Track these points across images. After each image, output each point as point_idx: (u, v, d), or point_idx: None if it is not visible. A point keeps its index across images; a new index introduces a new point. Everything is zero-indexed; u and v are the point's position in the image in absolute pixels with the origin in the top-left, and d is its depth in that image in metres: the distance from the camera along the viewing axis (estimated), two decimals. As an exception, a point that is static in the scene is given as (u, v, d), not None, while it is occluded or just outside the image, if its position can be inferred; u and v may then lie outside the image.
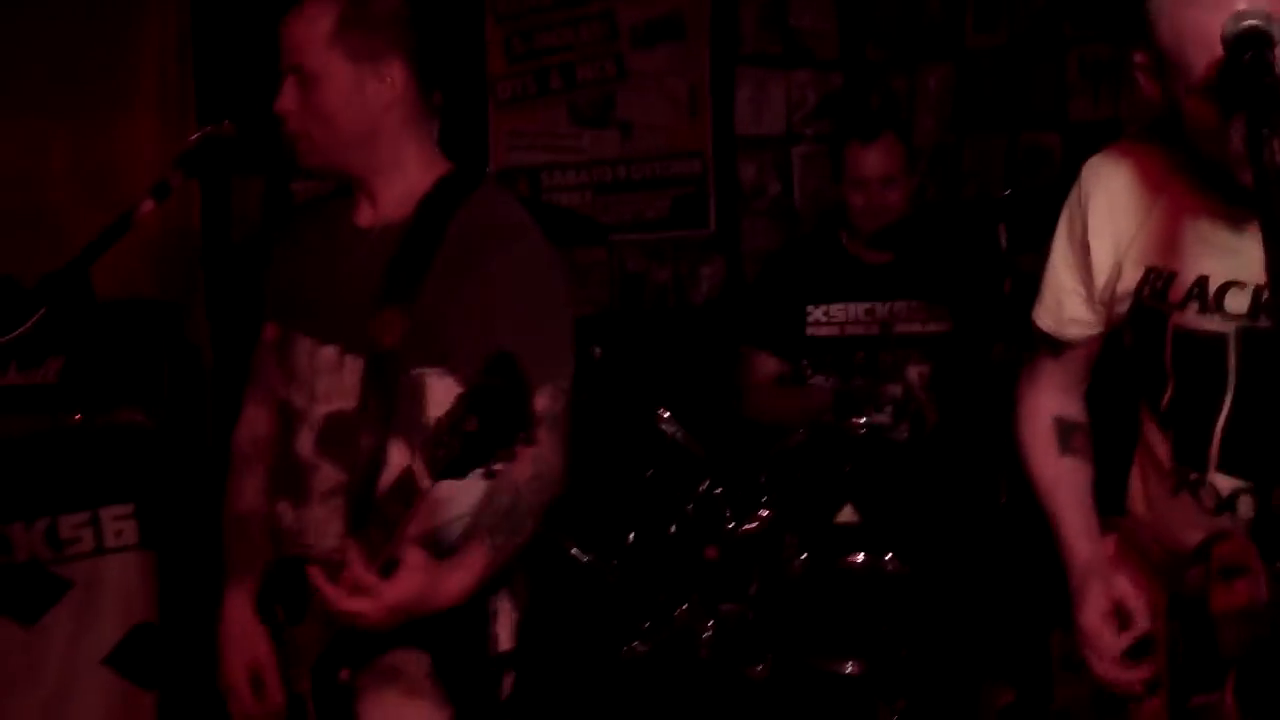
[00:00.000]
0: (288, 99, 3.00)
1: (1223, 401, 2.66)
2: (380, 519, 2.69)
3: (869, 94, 6.63)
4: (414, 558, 2.71)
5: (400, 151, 3.09)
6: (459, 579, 2.80)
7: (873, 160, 4.90)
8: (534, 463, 2.83)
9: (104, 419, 4.57)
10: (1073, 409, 3.05)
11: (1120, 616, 2.78)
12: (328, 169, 3.11)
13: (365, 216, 3.14)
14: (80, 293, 2.92)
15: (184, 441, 4.70)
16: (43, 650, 4.43)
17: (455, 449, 2.44)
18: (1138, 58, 2.53)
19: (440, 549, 2.85)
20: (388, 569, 2.69)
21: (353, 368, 3.03)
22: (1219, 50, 2.25)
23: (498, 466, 2.45)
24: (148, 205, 2.91)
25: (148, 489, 4.56)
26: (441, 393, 2.91)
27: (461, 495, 2.87)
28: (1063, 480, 2.99)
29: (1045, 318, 2.95)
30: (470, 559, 2.82)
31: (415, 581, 2.71)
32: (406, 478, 2.58)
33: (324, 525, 3.04)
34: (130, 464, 4.56)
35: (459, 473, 2.47)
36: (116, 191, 5.02)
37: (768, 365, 5.07)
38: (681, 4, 6.45)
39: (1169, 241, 2.67)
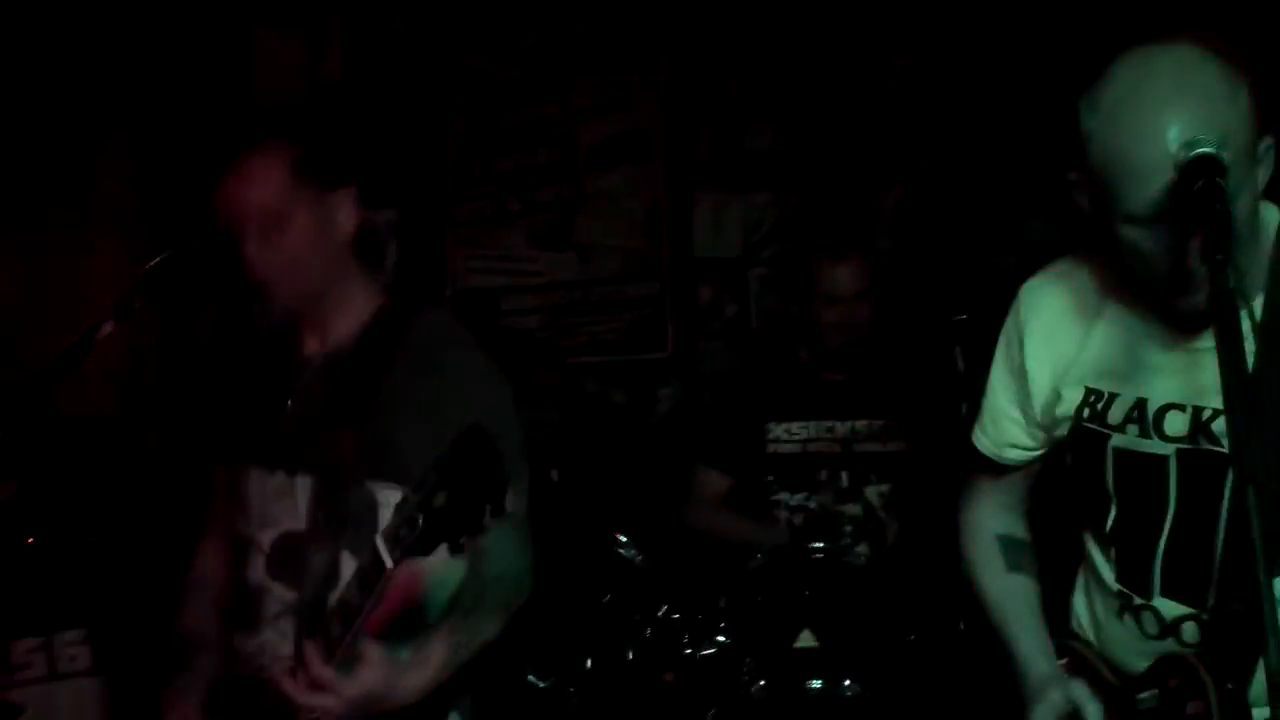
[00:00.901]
0: (255, 250, 2.98)
1: (1163, 524, 2.65)
2: (340, 610, 2.66)
3: (825, 215, 6.66)
4: (373, 653, 2.68)
5: (351, 281, 3.12)
6: (419, 676, 2.76)
7: (845, 276, 4.92)
8: (498, 561, 2.83)
9: (59, 540, 4.54)
10: (1015, 527, 3.04)
11: None
12: (295, 313, 3.10)
13: (311, 345, 3.16)
14: (40, 413, 2.91)
15: (138, 564, 4.67)
16: (-7, 777, 4.38)
17: (421, 527, 2.41)
18: (1073, 175, 2.54)
19: (401, 639, 2.82)
20: (346, 665, 2.67)
21: (302, 490, 3.03)
22: (1149, 180, 2.29)
23: (464, 543, 2.42)
24: (108, 327, 2.92)
25: (101, 612, 4.53)
26: (391, 507, 2.90)
27: (425, 580, 2.87)
28: (1012, 598, 2.97)
29: (984, 440, 2.95)
30: (430, 656, 2.78)
31: (375, 677, 2.68)
32: (370, 559, 2.54)
33: (278, 647, 3.04)
34: (84, 586, 4.53)
35: (424, 550, 2.44)
36: (73, 311, 5.01)
37: (716, 482, 5.06)
38: (640, 125, 6.49)
39: (1107, 364, 2.68)
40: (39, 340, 4.87)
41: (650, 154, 6.53)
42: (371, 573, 2.54)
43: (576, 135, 6.46)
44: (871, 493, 4.90)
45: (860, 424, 4.95)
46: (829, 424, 4.96)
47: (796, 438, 4.98)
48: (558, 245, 6.44)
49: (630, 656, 4.65)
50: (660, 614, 4.64)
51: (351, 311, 3.11)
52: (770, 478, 4.98)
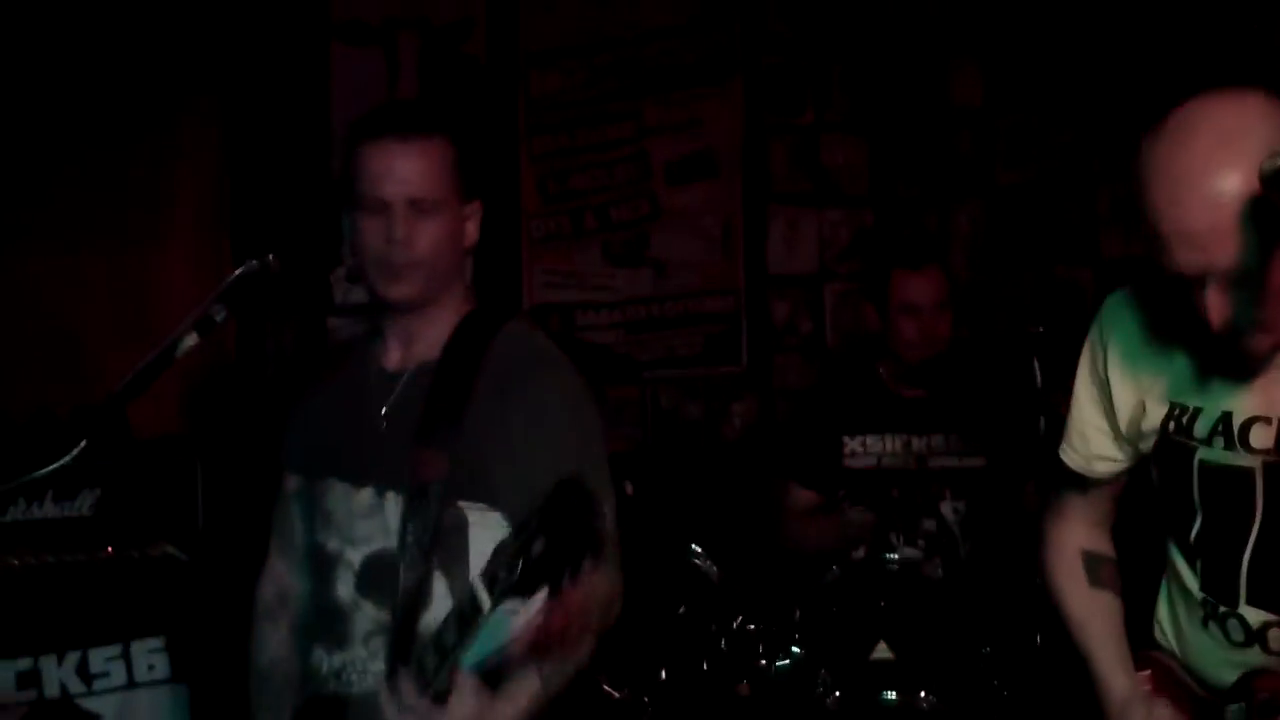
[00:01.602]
0: (405, 228, 2.99)
1: (1249, 534, 2.65)
2: (435, 642, 2.65)
3: (900, 231, 6.65)
4: (467, 685, 2.68)
5: (452, 289, 3.13)
6: (511, 708, 2.78)
7: (924, 286, 4.89)
8: (589, 588, 2.83)
9: (137, 552, 4.58)
10: (1100, 542, 3.05)
11: None
12: (412, 304, 3.09)
13: (394, 359, 3.15)
14: (117, 426, 2.92)
15: (216, 575, 4.70)
16: (72, 784, 4.42)
17: (520, 572, 2.39)
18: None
19: (494, 675, 2.79)
20: (440, 697, 2.66)
21: (392, 508, 3.02)
22: (1197, 248, 2.32)
23: (563, 587, 2.41)
24: (191, 340, 2.92)
25: (179, 622, 4.56)
26: (484, 527, 2.93)
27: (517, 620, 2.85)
28: (1095, 614, 2.98)
29: (1072, 455, 2.96)
30: (523, 688, 2.80)
31: (467, 709, 2.67)
32: (468, 600, 2.52)
33: (367, 665, 3.03)
34: (162, 597, 4.57)
35: (523, 595, 2.43)
36: (151, 322, 5.06)
37: (804, 497, 5.05)
38: (714, 142, 6.51)
39: (1191, 378, 2.68)
40: (112, 346, 4.95)
41: (725, 170, 6.55)
42: (469, 612, 2.52)
43: (651, 153, 6.47)
44: (946, 508, 4.87)
45: (936, 439, 4.92)
46: (904, 439, 4.94)
47: (872, 452, 4.96)
48: (633, 261, 6.46)
49: (705, 667, 4.63)
50: (735, 625, 4.62)
51: (441, 324, 3.11)
52: (843, 492, 4.96)
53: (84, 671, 4.44)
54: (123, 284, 5.26)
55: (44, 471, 2.79)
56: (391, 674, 2.87)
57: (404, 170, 2.99)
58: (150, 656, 4.53)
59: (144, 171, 5.33)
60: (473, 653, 2.61)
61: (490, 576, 2.46)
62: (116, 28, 5.27)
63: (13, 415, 4.63)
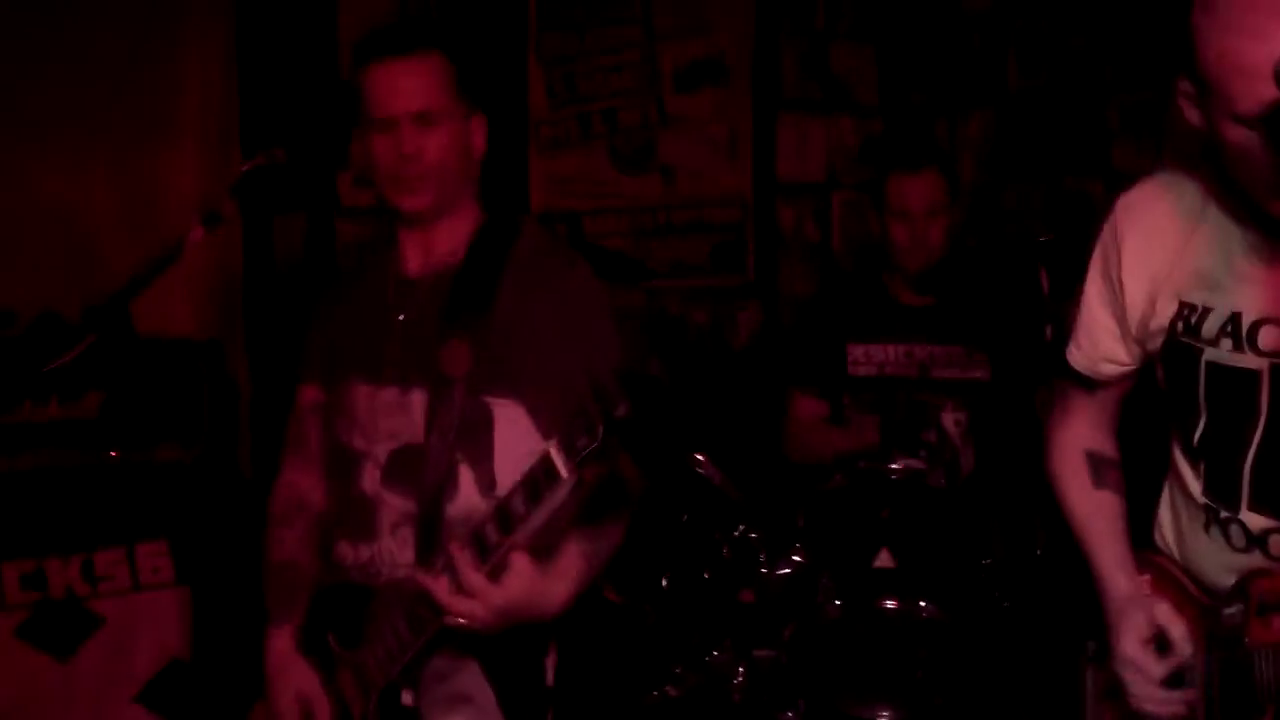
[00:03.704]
0: (412, 141, 3.06)
1: (1253, 437, 2.65)
2: (499, 516, 2.67)
3: (910, 139, 6.62)
4: (521, 564, 2.73)
5: (464, 199, 3.20)
6: (561, 587, 2.86)
7: (917, 191, 4.86)
8: (619, 469, 2.88)
9: (141, 455, 4.59)
10: (1105, 444, 3.06)
11: (1160, 643, 2.76)
12: (428, 213, 3.15)
13: (414, 265, 3.22)
14: (122, 325, 2.93)
15: (221, 478, 4.71)
16: (76, 685, 4.44)
17: (602, 437, 2.40)
18: (1181, 85, 2.52)
19: (544, 550, 2.85)
20: (495, 573, 2.71)
21: (418, 403, 3.09)
22: (1263, 79, 2.26)
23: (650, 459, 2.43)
24: (198, 233, 2.94)
25: (184, 525, 4.58)
26: (508, 420, 3.03)
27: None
28: (1097, 514, 3.00)
29: (1079, 356, 2.96)
30: (570, 567, 2.87)
31: (522, 586, 2.73)
32: (542, 468, 2.54)
33: (395, 556, 3.09)
34: (167, 500, 4.58)
35: (604, 460, 2.46)
36: (158, 222, 5.05)
37: (812, 406, 5.05)
38: (723, 48, 6.47)
39: (1203, 277, 2.68)
40: (120, 247, 4.93)
41: (734, 78, 6.51)
42: (544, 482, 2.54)
43: (659, 58, 6.43)
44: (948, 419, 4.87)
45: (939, 349, 4.91)
46: (907, 347, 4.94)
47: (875, 360, 4.96)
48: (641, 168, 6.43)
49: (707, 575, 4.65)
50: (737, 533, 4.64)
51: (458, 230, 3.18)
52: (848, 399, 4.97)
53: (89, 574, 4.46)
54: (130, 182, 5.24)
55: (48, 366, 2.80)
56: (422, 557, 2.98)
57: (406, 86, 3.08)
58: (154, 560, 4.55)
59: (150, 67, 5.29)
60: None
61: (569, 443, 2.47)
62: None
63: (19, 315, 4.62)
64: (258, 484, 3.41)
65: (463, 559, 2.70)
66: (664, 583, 4.69)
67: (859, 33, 6.64)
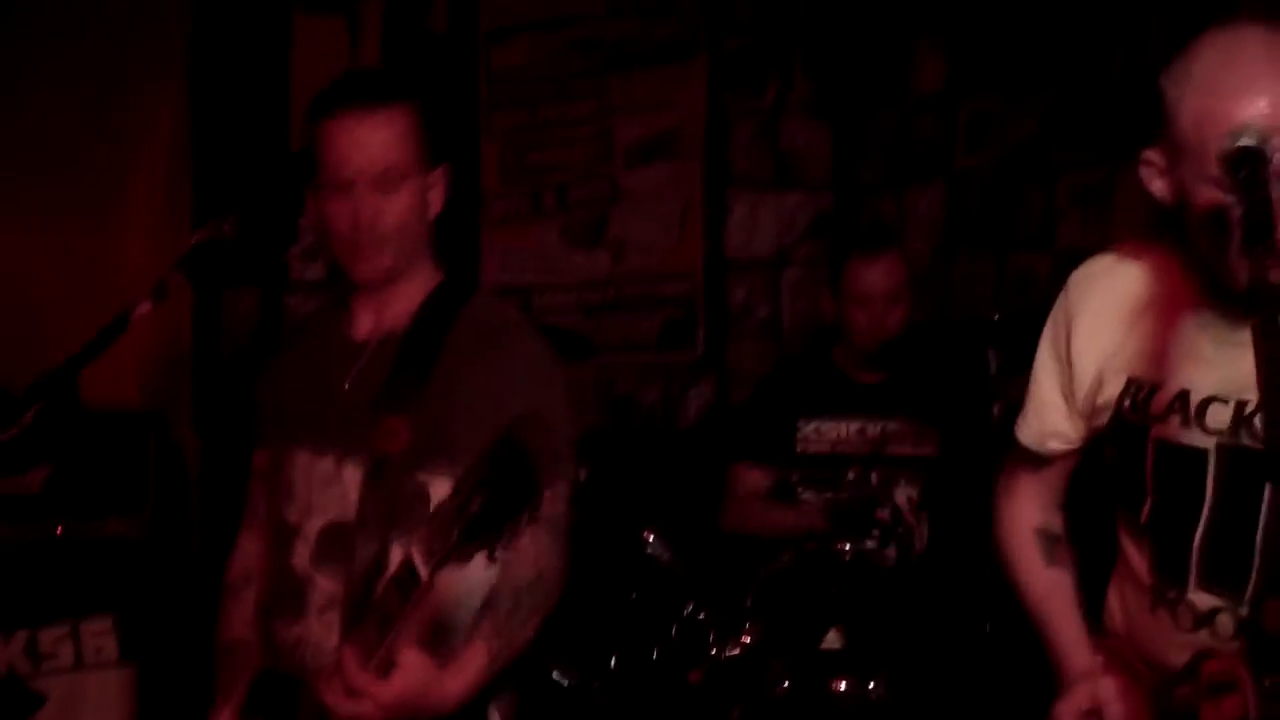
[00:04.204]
0: (369, 206, 2.96)
1: (1201, 515, 2.65)
2: (377, 615, 2.60)
3: (859, 215, 6.65)
4: (411, 658, 2.64)
5: (420, 259, 3.11)
6: (458, 681, 2.73)
7: (877, 276, 4.88)
8: (535, 564, 2.81)
9: (88, 529, 4.55)
10: (1053, 521, 3.06)
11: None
12: (377, 279, 3.06)
13: (363, 328, 3.13)
14: (68, 398, 2.90)
15: (168, 553, 4.68)
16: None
17: (457, 535, 2.37)
18: (1146, 155, 2.57)
19: (439, 643, 2.77)
20: (385, 669, 2.62)
21: (351, 478, 3.00)
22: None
23: (500, 548, 2.38)
24: (145, 307, 2.91)
25: (130, 601, 4.54)
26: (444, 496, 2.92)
27: (462, 585, 2.77)
28: (1053, 591, 2.99)
29: (1027, 431, 2.97)
30: (470, 661, 2.75)
31: (413, 682, 2.63)
32: (404, 569, 2.49)
33: (321, 640, 2.99)
34: (112, 576, 4.54)
35: (462, 557, 2.40)
36: (106, 294, 5.01)
37: (755, 478, 5.03)
38: (676, 123, 6.49)
39: (1152, 354, 2.69)
40: (68, 320, 4.89)
41: (686, 152, 6.52)
42: (408, 582, 2.49)
43: (613, 132, 6.44)
44: (900, 495, 4.87)
45: (891, 425, 4.91)
46: (859, 424, 4.93)
47: (826, 437, 4.96)
48: (592, 243, 6.43)
49: (656, 655, 4.63)
50: (687, 613, 4.62)
51: (411, 293, 3.09)
52: (797, 476, 4.96)
53: (32, 651, 4.42)
54: (81, 257, 5.21)
55: (-5, 439, 2.77)
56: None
57: (367, 145, 2.96)
58: (99, 638, 4.51)
59: (103, 141, 5.29)
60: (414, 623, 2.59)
61: (427, 545, 2.43)
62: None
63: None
64: (206, 559, 3.37)
65: (349, 657, 2.62)
66: (612, 662, 4.67)
67: (810, 109, 6.67)
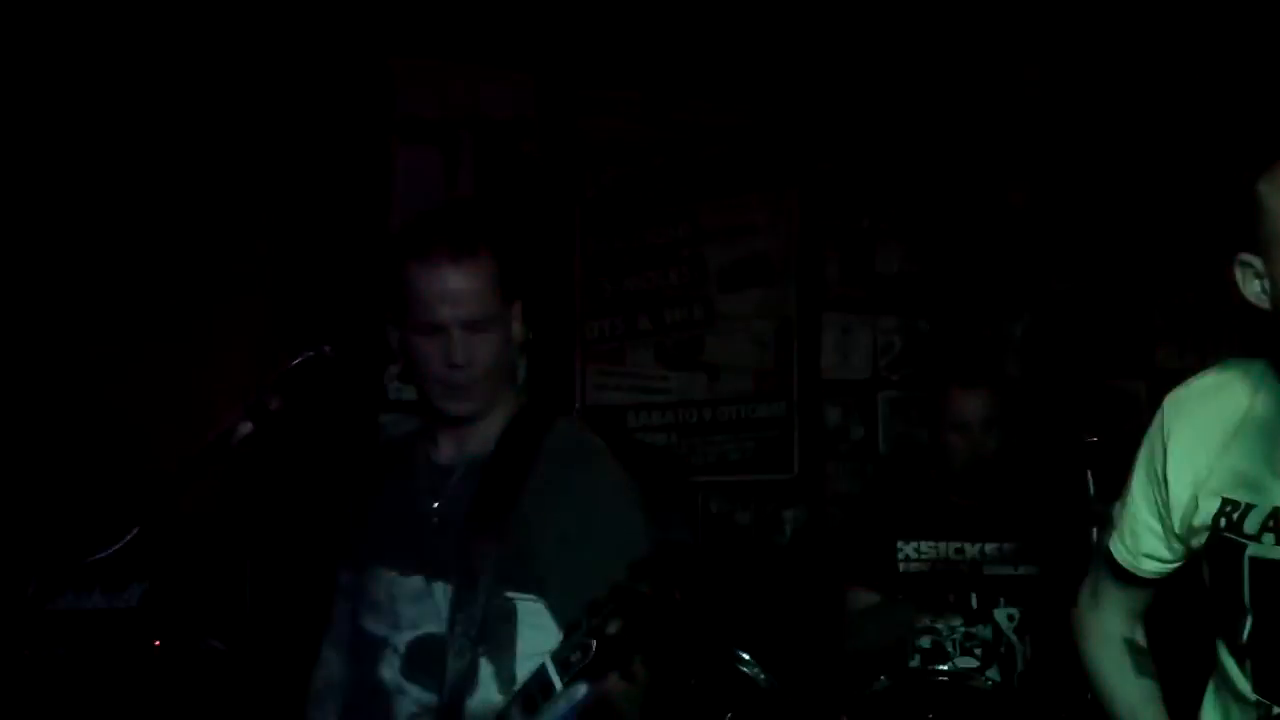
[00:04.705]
0: (466, 349, 3.04)
1: None
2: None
3: (956, 340, 6.65)
4: None
5: (505, 391, 3.19)
6: None
7: (974, 404, 4.95)
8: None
9: (183, 645, 4.57)
10: (1138, 634, 3.05)
11: None
12: (473, 416, 3.14)
13: (446, 453, 3.20)
14: (168, 517, 2.93)
15: (262, 669, 4.69)
16: None
17: (594, 653, 2.42)
18: (1240, 257, 2.57)
19: None
20: None
21: (440, 595, 3.06)
22: None
23: (637, 671, 2.42)
24: (246, 427, 2.93)
25: (224, 715, 4.55)
26: (530, 617, 3.00)
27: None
28: (1145, 703, 2.98)
29: (1121, 550, 2.96)
30: None
31: None
32: (537, 681, 2.54)
33: None
34: (211, 691, 4.55)
35: (594, 675, 2.45)
36: (206, 416, 5.07)
37: (866, 599, 5.01)
38: (769, 248, 6.51)
39: (1245, 474, 2.67)
40: (171, 445, 4.94)
41: (779, 277, 6.54)
42: (539, 694, 2.53)
43: (705, 256, 6.48)
44: (1000, 615, 4.86)
45: (990, 546, 4.91)
46: (958, 545, 4.93)
47: (926, 557, 4.95)
48: (687, 365, 6.44)
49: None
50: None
51: (493, 421, 3.17)
52: (900, 597, 4.93)
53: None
54: (180, 378, 5.28)
55: (95, 557, 2.79)
56: None
57: (457, 294, 3.04)
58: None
59: (202, 264, 5.36)
60: None
61: (563, 659, 2.48)
62: (184, 123, 5.31)
63: (70, 508, 4.63)
64: (295, 674, 3.39)
65: None
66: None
67: (902, 236, 6.69)
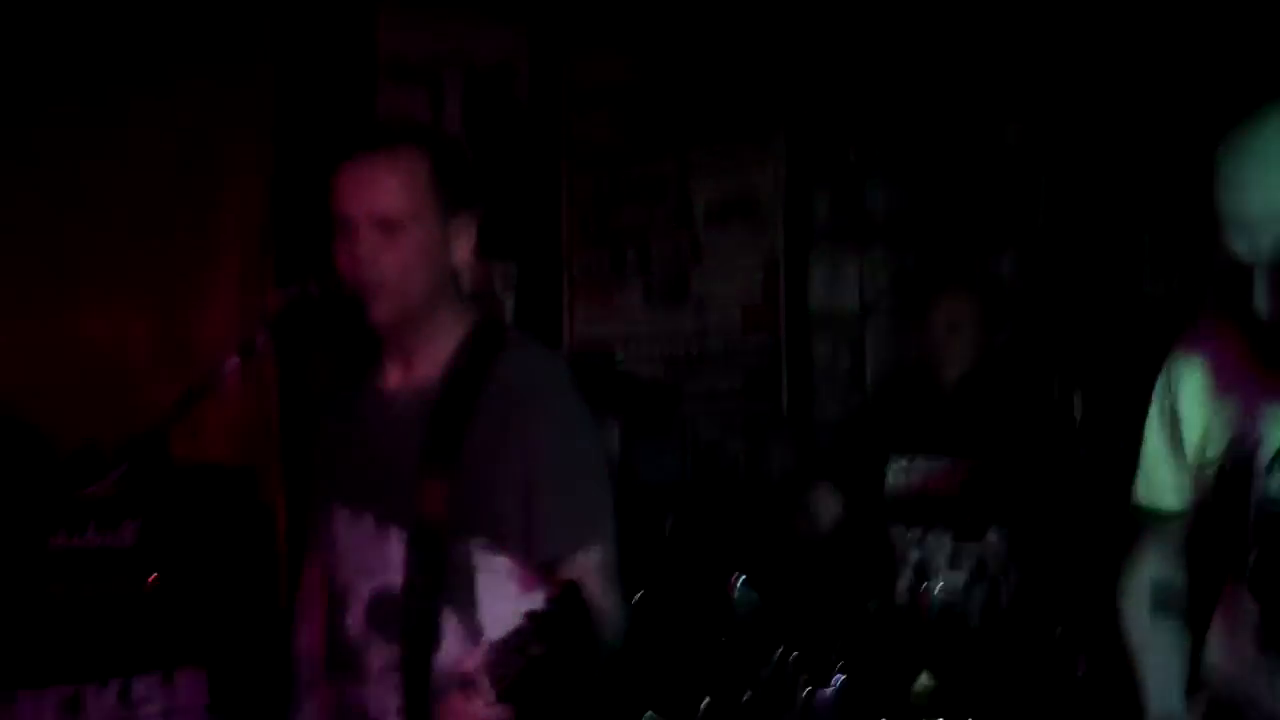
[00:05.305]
0: (369, 248, 2.89)
1: None
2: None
3: (943, 273, 6.66)
4: None
5: (446, 313, 3.03)
6: None
7: (964, 306, 5.03)
8: (598, 621, 2.73)
9: (178, 582, 4.59)
10: (1172, 576, 3.09)
11: None
12: (394, 326, 2.96)
13: (394, 379, 3.05)
14: (159, 455, 2.92)
15: (256, 607, 4.70)
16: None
17: (517, 672, 2.43)
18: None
19: None
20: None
21: (396, 541, 2.95)
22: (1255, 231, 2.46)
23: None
24: (234, 361, 2.91)
25: (219, 653, 4.57)
26: (490, 570, 2.90)
27: None
28: (1153, 642, 3.06)
29: (1142, 491, 3.06)
30: None
31: None
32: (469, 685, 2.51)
33: (383, 702, 2.96)
34: (203, 627, 4.58)
35: (519, 699, 2.46)
36: (195, 354, 5.08)
37: (829, 501, 5.07)
38: (756, 186, 6.52)
39: (1256, 411, 2.73)
40: (158, 384, 4.95)
41: (767, 213, 6.55)
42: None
43: (692, 192, 6.47)
44: (991, 534, 4.87)
45: (980, 465, 4.92)
46: (947, 463, 4.95)
47: (917, 472, 4.97)
48: (674, 299, 6.45)
49: (746, 699, 4.63)
50: (776, 655, 4.63)
51: (438, 343, 3.00)
52: (887, 512, 4.97)
53: (126, 700, 4.46)
54: (167, 315, 5.28)
55: (85, 491, 2.80)
56: (411, 708, 2.89)
57: (368, 186, 2.90)
58: (190, 687, 4.55)
59: (188, 206, 5.35)
60: None
61: (493, 673, 2.47)
62: (167, 57, 5.30)
63: (62, 452, 4.64)
64: (290, 611, 3.40)
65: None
66: (703, 705, 4.67)
67: (890, 171, 6.69)
